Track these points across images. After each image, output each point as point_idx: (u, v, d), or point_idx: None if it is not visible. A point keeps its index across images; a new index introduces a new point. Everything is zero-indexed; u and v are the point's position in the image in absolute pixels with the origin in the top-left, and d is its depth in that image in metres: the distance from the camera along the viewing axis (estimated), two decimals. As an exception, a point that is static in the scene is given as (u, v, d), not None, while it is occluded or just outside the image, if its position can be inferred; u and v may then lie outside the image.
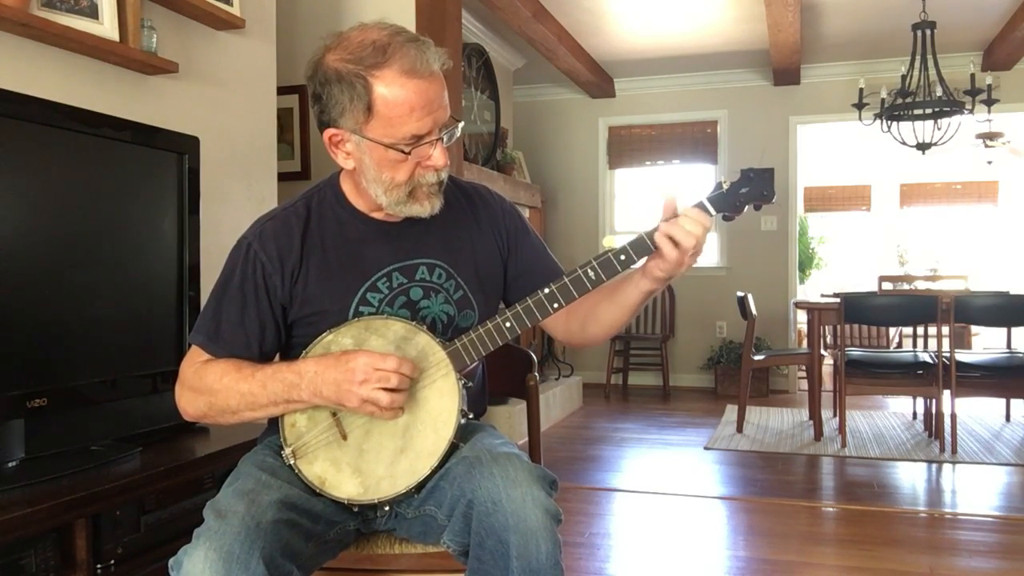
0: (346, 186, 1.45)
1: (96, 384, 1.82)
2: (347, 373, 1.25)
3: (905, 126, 5.24)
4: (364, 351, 1.27)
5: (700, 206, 1.30)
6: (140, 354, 1.94)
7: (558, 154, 7.09)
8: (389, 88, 1.27)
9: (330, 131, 1.34)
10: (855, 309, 4.50)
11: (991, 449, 4.40)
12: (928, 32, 4.82)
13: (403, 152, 1.30)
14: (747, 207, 1.33)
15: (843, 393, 4.50)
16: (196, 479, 1.87)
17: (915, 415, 5.26)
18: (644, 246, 1.30)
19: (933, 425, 4.58)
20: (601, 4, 5.00)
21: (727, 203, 1.32)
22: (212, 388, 1.34)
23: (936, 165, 8.71)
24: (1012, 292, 4.66)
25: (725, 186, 1.33)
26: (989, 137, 7.70)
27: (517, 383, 1.77)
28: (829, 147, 8.80)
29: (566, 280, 1.33)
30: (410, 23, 3.43)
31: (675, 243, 1.27)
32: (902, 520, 3.26)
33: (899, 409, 5.65)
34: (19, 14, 1.79)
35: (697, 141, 6.84)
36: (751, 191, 1.32)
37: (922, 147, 5.18)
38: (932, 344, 4.70)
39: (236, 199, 2.56)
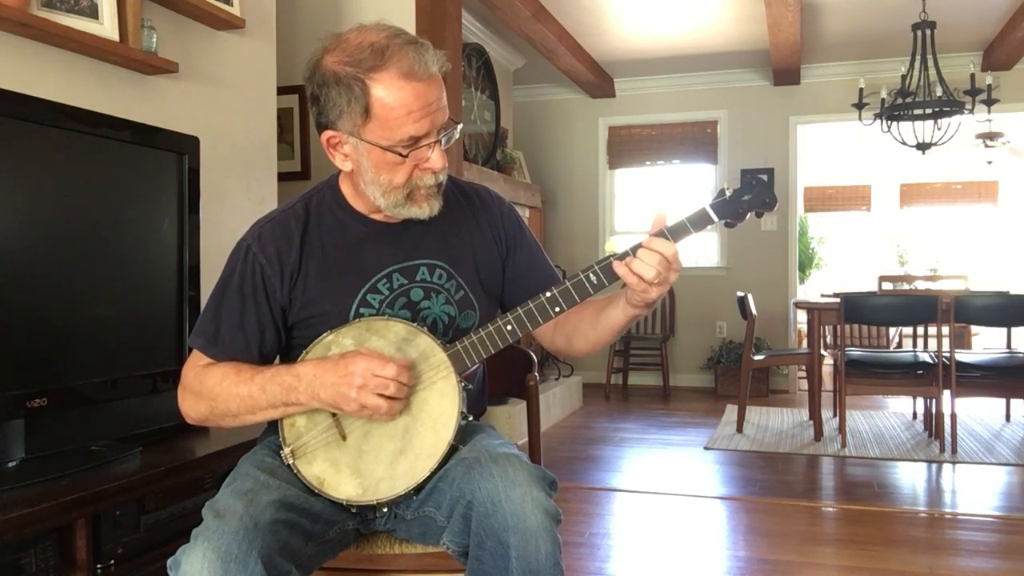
0: (345, 187, 1.45)
1: (96, 384, 1.82)
2: (345, 377, 1.25)
3: (905, 126, 5.24)
4: (363, 355, 1.27)
5: (702, 214, 1.31)
6: (140, 354, 1.94)
7: (558, 154, 7.09)
8: (387, 91, 1.27)
9: (328, 133, 1.34)
10: (855, 309, 4.50)
11: (991, 449, 4.40)
12: (928, 32, 4.82)
13: (401, 155, 1.30)
14: (749, 214, 1.33)
15: (843, 393, 4.50)
16: (196, 479, 1.87)
17: (915, 415, 5.26)
18: None
19: (933, 425, 4.58)
20: (601, 4, 5.00)
21: (730, 210, 1.32)
22: (213, 392, 1.34)
23: (936, 165, 8.71)
24: (1012, 292, 4.66)
25: (728, 193, 1.33)
26: (989, 137, 7.70)
27: (517, 383, 1.76)
28: (829, 147, 8.80)
29: (568, 284, 1.33)
30: (410, 23, 3.43)
31: (637, 276, 1.26)
32: (902, 520, 3.26)
33: (899, 409, 5.65)
34: (19, 14, 1.79)
35: (697, 141, 6.84)
36: (753, 198, 1.33)
37: (922, 147, 5.18)
38: (932, 344, 4.70)
39: (236, 199, 2.56)
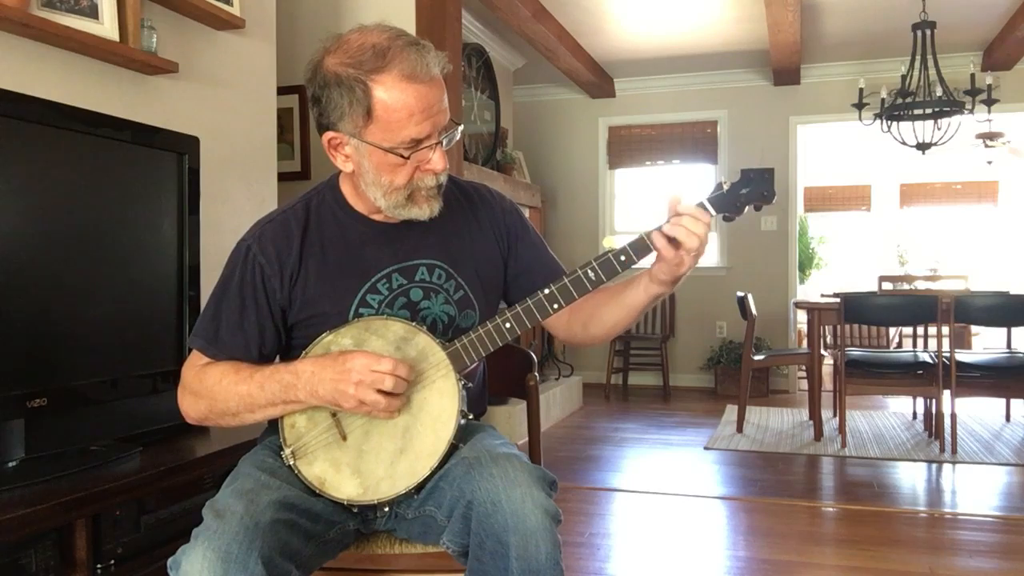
0: (345, 188, 1.45)
1: (96, 384, 1.82)
2: (343, 374, 1.25)
3: (905, 126, 5.24)
4: (361, 352, 1.27)
5: (700, 206, 1.30)
6: (140, 354, 1.94)
7: (558, 154, 7.09)
8: (388, 92, 1.27)
9: (329, 134, 1.34)
10: (855, 309, 4.50)
11: (991, 449, 4.40)
12: (928, 32, 4.82)
13: (402, 156, 1.30)
14: (747, 208, 1.33)
15: (843, 393, 4.50)
16: (196, 479, 1.87)
17: (915, 415, 5.26)
18: (644, 246, 1.30)
19: (933, 425, 4.58)
20: (601, 4, 5.00)
21: (727, 204, 1.32)
22: (212, 391, 1.34)
23: (936, 165, 8.71)
24: (1012, 292, 4.65)
25: (725, 187, 1.33)
26: (989, 137, 7.70)
27: (517, 383, 1.76)
28: (829, 147, 8.80)
29: (566, 281, 1.33)
30: (410, 23, 3.43)
31: (676, 243, 1.27)
32: (902, 520, 3.26)
33: (899, 409, 5.65)
34: (19, 14, 1.79)
35: (697, 141, 6.84)
36: (751, 192, 1.32)
37: (922, 147, 5.18)
38: (932, 344, 4.70)
39: (236, 199, 2.56)
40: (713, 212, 1.31)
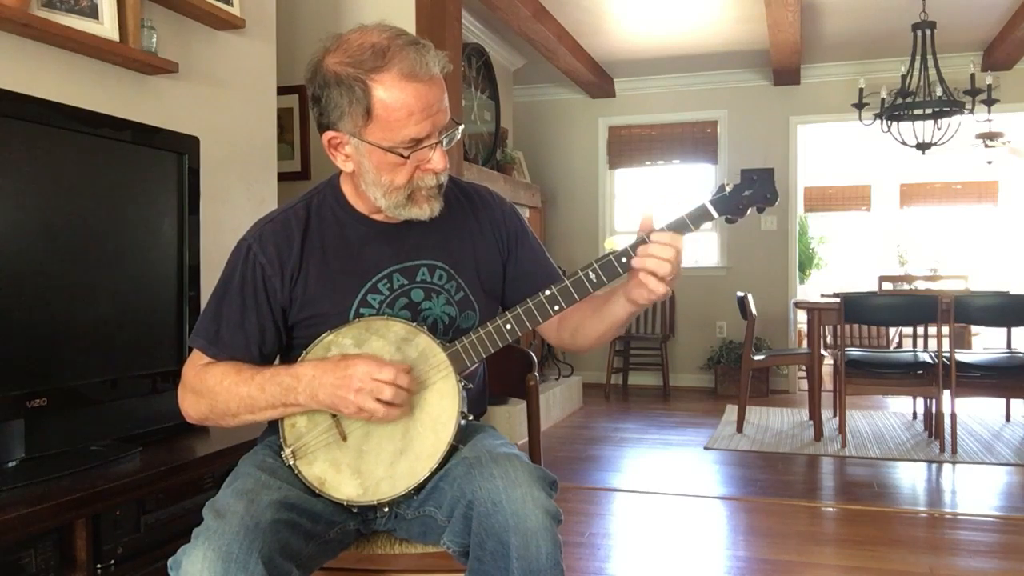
0: (346, 188, 1.45)
1: (96, 384, 1.82)
2: (344, 380, 1.24)
3: (905, 126, 5.24)
4: (363, 358, 1.26)
5: (702, 210, 1.30)
6: (140, 354, 1.94)
7: (558, 154, 7.09)
8: (388, 92, 1.27)
9: (329, 134, 1.34)
10: (855, 309, 4.50)
11: (991, 449, 4.40)
12: (928, 32, 4.82)
13: (402, 156, 1.30)
14: (750, 209, 1.33)
15: (843, 393, 4.50)
16: (196, 479, 1.87)
17: (915, 415, 5.26)
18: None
19: (933, 425, 4.58)
20: (601, 4, 5.00)
21: (730, 206, 1.32)
22: (213, 391, 1.34)
23: (936, 165, 8.71)
24: (1012, 292, 4.65)
25: (728, 188, 1.32)
26: (989, 137, 7.70)
27: (517, 383, 1.76)
28: (829, 147, 8.80)
29: (567, 283, 1.32)
30: (410, 23, 3.43)
31: (651, 273, 1.26)
32: (902, 520, 3.26)
33: (899, 409, 5.65)
34: (19, 14, 1.79)
35: (697, 141, 6.84)
36: (754, 194, 1.32)
37: (922, 147, 5.18)
38: (932, 344, 4.70)
39: (236, 199, 2.56)
40: (716, 214, 1.31)
